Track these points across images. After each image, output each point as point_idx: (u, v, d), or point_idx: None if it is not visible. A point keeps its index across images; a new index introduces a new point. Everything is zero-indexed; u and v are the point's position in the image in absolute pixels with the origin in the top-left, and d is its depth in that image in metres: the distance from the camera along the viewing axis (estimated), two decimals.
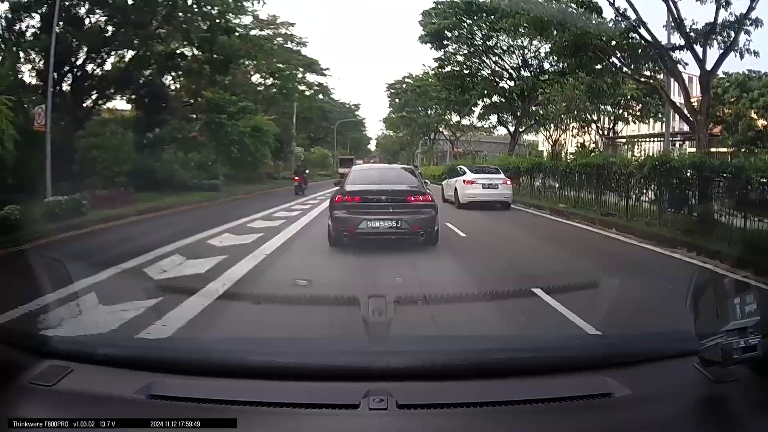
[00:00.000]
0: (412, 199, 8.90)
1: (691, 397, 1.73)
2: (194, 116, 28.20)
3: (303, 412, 1.62)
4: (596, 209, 14.71)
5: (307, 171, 29.67)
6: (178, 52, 24.24)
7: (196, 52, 24.31)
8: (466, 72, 33.60)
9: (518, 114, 33.24)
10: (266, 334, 4.59)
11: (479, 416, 1.63)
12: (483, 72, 33.50)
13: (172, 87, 27.56)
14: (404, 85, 52.41)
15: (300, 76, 44.32)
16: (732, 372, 1.70)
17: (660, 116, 42.60)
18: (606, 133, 39.33)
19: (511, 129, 36.18)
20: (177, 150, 22.73)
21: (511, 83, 32.64)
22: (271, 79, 40.01)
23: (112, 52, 22.22)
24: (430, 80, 44.62)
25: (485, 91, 34.02)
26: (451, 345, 2.49)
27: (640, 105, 37.94)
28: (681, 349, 1.88)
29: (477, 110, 42.30)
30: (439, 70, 34.83)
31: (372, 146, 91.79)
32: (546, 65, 31.15)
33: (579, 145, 37.42)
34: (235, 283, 6.59)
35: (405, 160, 62.44)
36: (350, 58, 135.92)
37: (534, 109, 33.96)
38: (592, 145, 37.35)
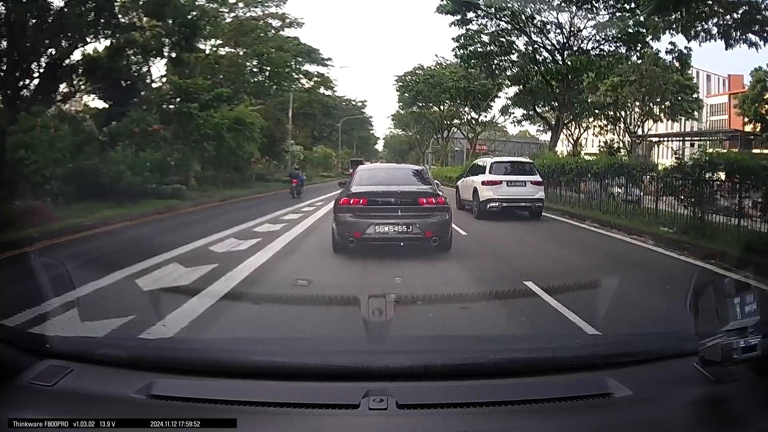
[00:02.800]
0: (424, 201, 8.31)
1: (691, 397, 1.73)
2: (151, 104, 22.80)
3: (303, 412, 1.63)
4: None
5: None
6: (129, 22, 19.64)
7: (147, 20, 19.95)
8: (495, 49, 27.69)
9: (564, 100, 26.89)
10: (266, 334, 4.59)
11: (479, 416, 1.63)
12: (517, 50, 27.54)
13: (142, 72, 22.86)
14: (414, 77, 46.69)
15: (293, 62, 37.09)
16: (732, 372, 1.71)
17: (693, 113, 38.03)
18: (634, 130, 36.46)
19: (535, 123, 33.56)
20: (128, 147, 17.72)
21: (553, 61, 26.46)
22: (258, 63, 33.64)
23: (55, 26, 17.45)
24: (444, 72, 41.32)
25: (523, 72, 27.90)
26: (450, 345, 2.50)
27: (668, 102, 34.76)
28: (681, 349, 1.89)
29: (502, 101, 38.58)
30: (461, 51, 28.26)
31: (379, 146, 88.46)
32: (590, 45, 25.44)
33: (603, 144, 34.30)
34: None
35: (414, 161, 60.43)
36: (357, 53, 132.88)
37: (582, 95, 29.51)
38: (617, 144, 34.13)
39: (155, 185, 17.54)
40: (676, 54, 19.60)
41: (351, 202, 8.31)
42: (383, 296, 3.12)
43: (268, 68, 33.96)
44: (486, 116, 44.34)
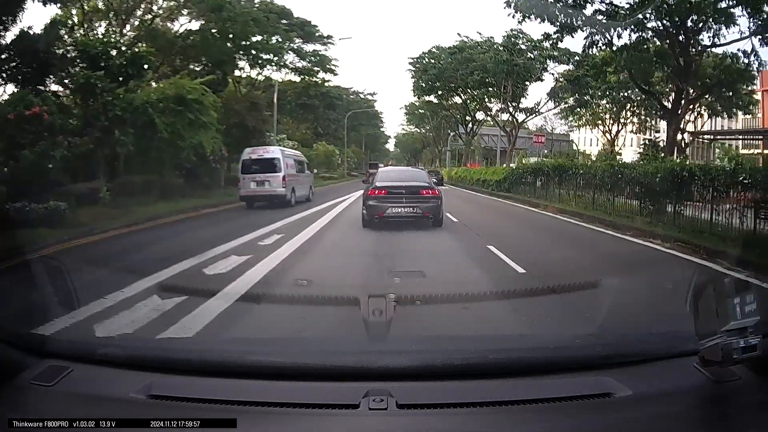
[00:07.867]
0: (424, 192, 12.05)
1: (691, 397, 1.73)
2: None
3: (303, 412, 1.63)
4: None
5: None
6: None
7: None
8: None
9: (694, 64, 17.39)
10: (266, 333, 4.59)
11: (479, 416, 1.63)
12: None
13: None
14: (432, 60, 38.01)
15: (269, 24, 26.48)
16: (732, 372, 1.71)
17: (749, 107, 31.26)
18: (684, 127, 31.09)
19: (572, 117, 28.43)
20: None
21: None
22: (215, 23, 23.21)
23: None
24: (472, 50, 35.38)
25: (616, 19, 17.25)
26: (451, 345, 2.49)
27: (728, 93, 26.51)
28: (681, 349, 1.89)
29: (540, 87, 30.61)
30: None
31: (390, 145, 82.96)
32: None
33: (646, 142, 31.01)
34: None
35: (428, 161, 55.71)
36: (365, 46, 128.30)
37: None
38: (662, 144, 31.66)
39: (18, 205, 11.05)
40: None
41: (376, 192, 11.94)
42: (383, 296, 3.11)
43: (232, 33, 24.07)
44: (523, 102, 36.56)
